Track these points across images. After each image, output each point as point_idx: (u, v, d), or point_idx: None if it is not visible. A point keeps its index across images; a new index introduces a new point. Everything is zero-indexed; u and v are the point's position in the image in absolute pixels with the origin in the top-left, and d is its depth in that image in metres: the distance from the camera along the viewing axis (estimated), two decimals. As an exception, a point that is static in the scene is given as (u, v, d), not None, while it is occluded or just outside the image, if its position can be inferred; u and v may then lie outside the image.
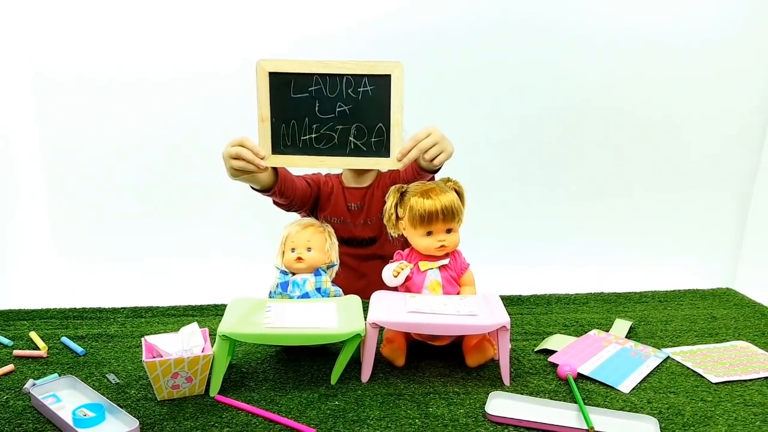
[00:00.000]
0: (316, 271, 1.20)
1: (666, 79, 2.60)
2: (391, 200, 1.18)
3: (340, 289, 1.21)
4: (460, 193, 1.19)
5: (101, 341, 1.21)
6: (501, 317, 1.02)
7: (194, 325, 1.04)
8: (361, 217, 1.58)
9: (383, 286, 1.17)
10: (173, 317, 1.34)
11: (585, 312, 1.39)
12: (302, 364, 1.10)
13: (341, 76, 1.13)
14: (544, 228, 2.71)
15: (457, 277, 1.17)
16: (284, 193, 1.43)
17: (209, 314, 1.35)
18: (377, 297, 1.11)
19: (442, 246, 1.14)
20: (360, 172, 1.59)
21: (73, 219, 2.59)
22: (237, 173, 1.21)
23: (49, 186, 2.56)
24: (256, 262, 1.85)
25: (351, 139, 1.16)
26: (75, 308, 1.38)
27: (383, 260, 1.55)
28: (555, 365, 1.09)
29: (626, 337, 1.24)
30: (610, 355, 1.14)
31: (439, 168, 1.25)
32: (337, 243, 1.26)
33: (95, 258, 2.61)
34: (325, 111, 1.15)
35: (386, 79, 1.13)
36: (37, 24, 2.39)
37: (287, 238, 1.22)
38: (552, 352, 1.16)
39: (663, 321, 1.34)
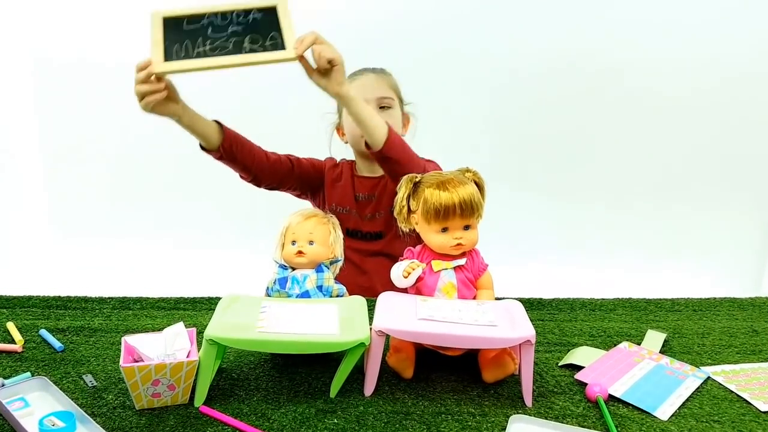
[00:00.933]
0: (318, 267, 1.08)
1: (696, 68, 2.44)
2: (402, 191, 1.06)
3: (344, 288, 1.10)
4: (480, 186, 1.06)
5: (83, 335, 1.11)
6: (525, 329, 0.90)
7: (180, 326, 0.93)
8: (369, 209, 1.47)
9: (388, 285, 1.05)
10: (163, 310, 1.23)
11: (613, 320, 1.27)
12: (299, 371, 0.99)
13: (231, 11, 1.16)
14: (562, 224, 2.57)
15: (473, 279, 1.05)
16: (235, 157, 1.34)
17: (202, 308, 1.25)
18: (384, 300, 1.00)
19: (458, 244, 1.02)
20: (372, 159, 1.47)
21: (69, 202, 2.51)
22: (143, 101, 1.16)
23: (45, 168, 2.48)
24: (257, 254, 1.74)
25: (246, 45, 1.13)
26: (59, 296, 1.28)
27: (389, 259, 1.44)
28: (583, 384, 0.97)
29: (660, 351, 1.12)
30: (643, 373, 1.02)
31: (383, 150, 1.25)
32: (342, 236, 1.14)
33: (90, 242, 2.53)
34: (218, 31, 1.14)
35: (273, 10, 1.16)
36: (37, 4, 2.30)
37: (287, 229, 1.10)
38: (578, 367, 1.04)
39: (699, 333, 1.21)
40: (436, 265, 1.03)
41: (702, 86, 2.45)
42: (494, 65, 2.44)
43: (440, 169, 1.32)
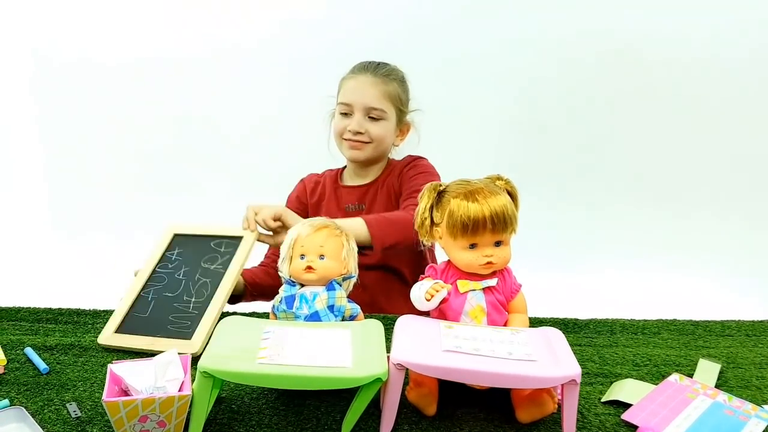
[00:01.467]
0: (329, 285, 0.97)
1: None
2: (425, 201, 0.94)
3: (358, 307, 0.99)
4: (513, 196, 0.94)
5: (71, 354, 1.02)
6: (569, 366, 0.78)
7: (172, 353, 0.82)
8: None
9: (393, 299, 0.94)
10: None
11: (658, 346, 1.13)
12: (307, 404, 0.88)
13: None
14: (589, 232, 2.42)
15: (505, 302, 0.93)
16: (265, 293, 1.34)
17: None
18: (403, 325, 0.88)
19: (488, 263, 0.90)
20: (364, 164, 1.42)
21: (70, 202, 2.45)
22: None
23: (45, 167, 2.42)
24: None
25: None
26: (50, 309, 1.19)
27: (388, 271, 1.37)
28: (632, 426, 0.84)
29: (715, 385, 0.98)
30: (699, 413, 0.89)
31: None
32: (356, 249, 1.03)
33: (90, 242, 2.46)
34: None
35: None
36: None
37: (296, 241, 0.99)
38: (623, 403, 0.91)
39: (756, 364, 1.07)
40: (463, 285, 0.91)
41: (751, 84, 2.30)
42: (516, 64, 2.31)
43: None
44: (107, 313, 1.17)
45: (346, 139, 1.37)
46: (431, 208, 0.94)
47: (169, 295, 1.04)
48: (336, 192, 1.45)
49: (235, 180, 2.23)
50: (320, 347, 0.80)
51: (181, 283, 1.05)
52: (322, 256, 0.98)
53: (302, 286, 0.99)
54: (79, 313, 1.17)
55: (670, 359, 1.08)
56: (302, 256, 0.98)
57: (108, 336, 1.02)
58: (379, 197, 1.40)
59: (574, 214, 2.41)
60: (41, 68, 2.36)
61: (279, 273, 1.01)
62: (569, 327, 1.19)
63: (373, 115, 1.35)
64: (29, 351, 1.00)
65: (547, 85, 2.34)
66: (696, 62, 2.30)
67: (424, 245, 0.99)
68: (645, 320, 1.24)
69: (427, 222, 0.94)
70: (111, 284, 2.15)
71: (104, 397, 0.75)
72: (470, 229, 0.88)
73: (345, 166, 1.49)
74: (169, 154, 2.46)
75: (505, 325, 0.93)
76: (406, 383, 0.85)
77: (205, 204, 2.45)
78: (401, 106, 1.40)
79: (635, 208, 2.42)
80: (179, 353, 0.83)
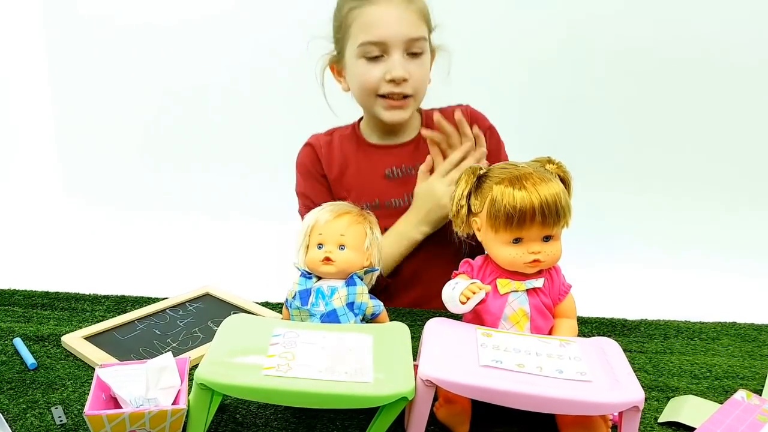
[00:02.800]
0: (349, 279, 0.85)
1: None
2: (462, 186, 0.81)
3: (381, 304, 0.87)
4: (566, 183, 0.81)
5: (64, 347, 0.92)
6: (631, 390, 0.65)
7: (167, 357, 0.71)
8: (407, 191, 1.10)
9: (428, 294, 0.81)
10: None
11: (718, 354, 1.00)
12: (321, 418, 0.77)
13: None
14: (638, 223, 2.23)
15: (551, 306, 0.81)
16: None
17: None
18: (432, 332, 0.76)
19: (535, 260, 0.77)
20: (394, 126, 1.10)
21: (84, 177, 2.36)
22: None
23: (59, 138, 2.34)
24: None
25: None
26: (47, 292, 1.09)
27: (434, 258, 1.10)
28: (698, 458, 0.72)
29: (791, 406, 0.85)
30: (776, 441, 0.76)
31: None
32: (381, 238, 0.91)
33: (104, 214, 2.38)
34: None
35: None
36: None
37: (312, 228, 0.88)
38: (684, 426, 0.78)
39: (835, 378, 0.94)
40: (504, 285, 0.79)
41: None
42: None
43: None
44: (107, 299, 1.08)
45: (384, 96, 1.04)
46: (469, 194, 0.81)
47: (158, 332, 0.95)
48: (366, 154, 1.13)
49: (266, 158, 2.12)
50: (337, 357, 0.69)
51: (176, 329, 0.96)
52: (342, 246, 0.86)
53: (319, 278, 0.87)
54: (77, 298, 1.08)
55: (733, 371, 0.95)
56: (320, 246, 0.86)
57: (73, 338, 0.92)
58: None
59: (617, 200, 2.23)
60: (54, 31, 2.27)
61: (293, 264, 0.90)
62: (617, 329, 1.06)
63: (414, 50, 1.02)
64: (18, 342, 0.91)
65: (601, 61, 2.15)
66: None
67: (458, 236, 0.86)
68: (702, 323, 1.10)
69: (464, 211, 0.81)
70: (116, 264, 2.10)
71: (86, 409, 0.65)
72: (516, 221, 0.75)
73: (361, 119, 1.17)
74: (177, 126, 2.36)
75: (550, 332, 0.81)
76: (435, 399, 0.73)
77: (236, 184, 2.37)
78: (431, 26, 1.09)
79: (689, 197, 2.23)
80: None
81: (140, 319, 0.99)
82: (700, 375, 0.93)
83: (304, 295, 0.85)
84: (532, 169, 0.78)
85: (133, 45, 2.30)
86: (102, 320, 1.00)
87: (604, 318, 1.09)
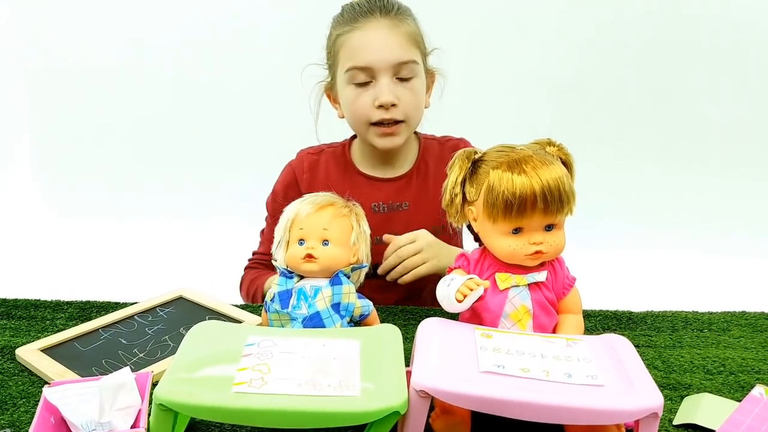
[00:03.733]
0: (334, 277, 0.77)
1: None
2: (455, 172, 0.73)
3: (370, 304, 0.79)
4: (568, 166, 0.74)
5: (18, 361, 0.83)
6: (648, 394, 0.58)
7: (125, 372, 0.63)
8: (395, 227, 1.01)
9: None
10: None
11: (730, 346, 0.94)
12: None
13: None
14: (637, 205, 2.15)
15: (555, 301, 0.73)
16: None
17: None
18: (427, 333, 0.68)
19: (537, 252, 0.70)
20: (389, 153, 1.04)
21: (60, 181, 2.28)
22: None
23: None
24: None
25: None
26: (5, 299, 1.00)
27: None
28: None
29: (814, 402, 0.79)
30: (804, 443, 0.70)
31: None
32: (369, 232, 0.83)
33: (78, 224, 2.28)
34: None
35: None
36: None
37: (293, 221, 0.80)
38: (701, 428, 0.72)
39: None
40: (503, 280, 0.71)
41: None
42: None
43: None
44: (70, 306, 0.99)
45: (376, 124, 0.98)
46: (463, 181, 0.73)
47: (124, 342, 0.87)
48: (353, 184, 1.05)
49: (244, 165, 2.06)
50: (320, 367, 0.61)
51: (144, 337, 0.87)
52: (325, 242, 0.78)
53: (301, 278, 0.79)
54: (36, 305, 0.99)
55: (747, 364, 0.88)
56: (301, 241, 0.78)
57: (28, 351, 0.83)
58: (425, 190, 1.05)
59: (615, 183, 2.15)
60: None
61: (273, 262, 0.82)
62: (622, 322, 0.99)
63: (403, 75, 0.97)
64: (-33, 356, 0.82)
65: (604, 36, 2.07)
66: None
67: (453, 227, 0.79)
68: (711, 313, 1.04)
69: (458, 199, 0.73)
70: (84, 268, 2.00)
71: (31, 435, 0.56)
72: (516, 208, 0.68)
73: (353, 137, 1.10)
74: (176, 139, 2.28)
75: (554, 330, 0.73)
76: (431, 408, 0.66)
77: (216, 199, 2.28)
78: (425, 49, 1.03)
79: (692, 180, 2.14)
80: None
81: (105, 327, 0.90)
82: (713, 370, 0.86)
83: (284, 296, 0.77)
84: (532, 152, 0.70)
85: (107, 54, 2.22)
86: (63, 329, 0.91)
87: (608, 311, 1.02)
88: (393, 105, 0.96)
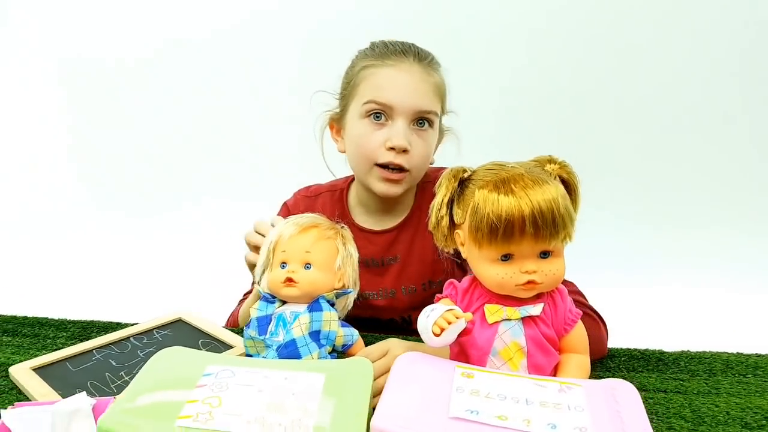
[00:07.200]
0: (314, 303, 0.73)
1: None
2: (442, 192, 0.67)
3: (355, 333, 0.74)
4: (570, 186, 0.66)
5: (10, 379, 0.83)
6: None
7: (80, 398, 0.60)
8: (387, 283, 0.99)
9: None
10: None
11: (777, 395, 0.81)
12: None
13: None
14: (677, 237, 1.99)
15: (555, 338, 0.65)
16: None
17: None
18: (402, 369, 0.62)
19: (529, 282, 0.63)
20: (385, 201, 0.98)
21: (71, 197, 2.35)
22: None
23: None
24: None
25: None
26: (15, 316, 1.01)
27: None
28: None
29: None
30: None
31: None
32: (356, 255, 0.78)
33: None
34: None
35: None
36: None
37: (276, 244, 0.76)
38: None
39: None
40: (493, 313, 0.64)
41: None
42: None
43: None
44: (74, 325, 0.99)
45: (381, 166, 0.92)
46: (450, 202, 0.67)
47: (113, 364, 0.85)
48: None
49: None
50: (275, 403, 0.56)
51: (134, 359, 0.86)
52: (308, 265, 0.74)
53: (284, 303, 0.75)
54: (43, 323, 0.99)
55: (797, 417, 0.76)
56: (283, 264, 0.74)
57: (20, 369, 0.83)
58: (417, 242, 1.00)
59: (651, 210, 2.00)
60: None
61: (256, 286, 0.78)
62: (651, 363, 0.89)
63: (420, 124, 0.93)
64: (-40, 374, 0.83)
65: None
66: None
67: (444, 254, 0.72)
68: (758, 355, 0.91)
69: (445, 222, 0.67)
70: (99, 287, 2.03)
71: (-28, 462, 0.54)
72: (501, 233, 0.61)
73: (352, 180, 1.05)
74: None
75: (555, 371, 0.65)
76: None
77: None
78: (444, 106, 0.99)
79: (738, 204, 1.99)
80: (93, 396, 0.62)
81: (99, 348, 0.89)
82: (753, 423, 0.74)
83: (263, 322, 0.73)
84: (524, 170, 0.63)
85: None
86: (63, 348, 0.91)
87: (635, 350, 0.92)
88: (404, 151, 0.90)
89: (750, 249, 1.95)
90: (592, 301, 0.90)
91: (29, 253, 2.25)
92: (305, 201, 1.05)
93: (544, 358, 0.64)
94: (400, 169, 0.91)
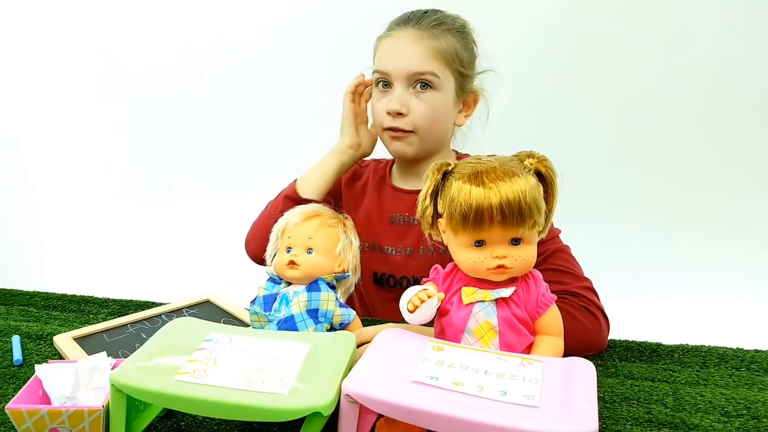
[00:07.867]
0: (313, 284, 0.80)
1: None
2: (428, 184, 0.73)
3: (352, 313, 0.81)
4: (546, 178, 0.71)
5: (55, 347, 0.95)
6: (582, 419, 0.54)
7: (100, 357, 0.70)
8: (408, 241, 1.05)
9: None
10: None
11: (766, 388, 0.82)
12: (274, 430, 0.71)
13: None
14: (685, 230, 1.94)
15: (527, 319, 0.70)
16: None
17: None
18: (381, 342, 0.69)
19: (500, 267, 0.68)
20: (414, 161, 1.05)
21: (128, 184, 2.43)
22: None
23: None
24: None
25: None
26: (65, 294, 1.14)
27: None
28: None
29: None
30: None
31: None
32: (357, 243, 0.85)
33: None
34: None
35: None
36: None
37: (283, 231, 0.84)
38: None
39: None
40: (468, 295, 0.70)
41: None
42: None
43: None
44: (114, 303, 1.11)
45: (386, 128, 1.01)
46: (435, 193, 0.73)
47: (144, 337, 0.96)
48: (381, 192, 1.11)
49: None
50: (262, 366, 0.63)
51: None
52: (310, 250, 0.81)
53: (289, 284, 0.83)
54: (88, 301, 1.11)
55: (783, 410, 0.77)
56: (288, 249, 0.82)
57: (63, 339, 0.94)
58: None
59: (660, 208, 1.96)
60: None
61: (266, 268, 0.87)
62: (645, 354, 0.91)
63: (420, 86, 0.98)
64: (15, 339, 0.95)
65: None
66: None
67: (433, 246, 0.78)
68: (757, 351, 0.92)
69: (429, 212, 0.73)
70: (148, 268, 2.14)
71: (10, 403, 0.65)
72: (471, 221, 0.66)
73: (387, 164, 1.16)
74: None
75: (528, 350, 0.70)
76: (380, 416, 0.66)
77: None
78: (462, 68, 1.01)
79: (751, 199, 1.91)
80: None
81: (133, 323, 1.00)
82: (733, 412, 0.76)
83: (268, 300, 0.81)
84: (498, 164, 0.69)
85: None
86: (102, 320, 1.02)
87: (632, 342, 0.95)
88: (399, 114, 0.98)
89: (753, 244, 1.89)
90: (605, 293, 0.93)
91: (80, 237, 2.41)
92: (358, 167, 1.16)
93: (516, 338, 0.69)
94: (402, 130, 1.00)
